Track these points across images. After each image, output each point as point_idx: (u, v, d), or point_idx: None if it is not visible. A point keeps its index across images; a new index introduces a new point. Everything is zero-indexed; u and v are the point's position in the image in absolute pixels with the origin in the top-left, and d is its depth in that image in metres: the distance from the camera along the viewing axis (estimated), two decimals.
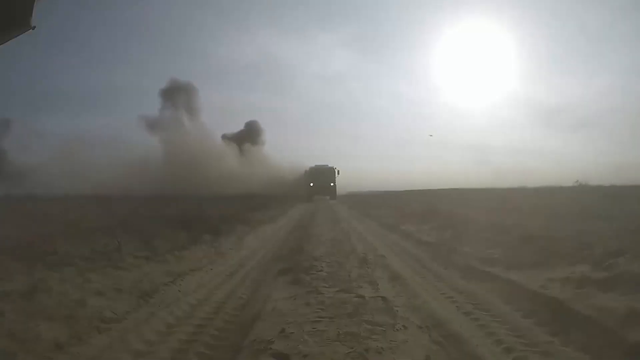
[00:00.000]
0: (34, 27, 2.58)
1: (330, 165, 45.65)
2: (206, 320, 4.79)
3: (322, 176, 44.13)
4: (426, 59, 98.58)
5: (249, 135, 54.35)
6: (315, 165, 45.60)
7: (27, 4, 2.54)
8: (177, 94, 50.51)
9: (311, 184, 44.16)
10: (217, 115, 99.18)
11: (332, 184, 44.27)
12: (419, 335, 3.97)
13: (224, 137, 52.75)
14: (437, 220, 12.42)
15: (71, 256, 6.09)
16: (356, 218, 19.23)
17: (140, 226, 9.16)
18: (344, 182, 45.99)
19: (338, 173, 44.89)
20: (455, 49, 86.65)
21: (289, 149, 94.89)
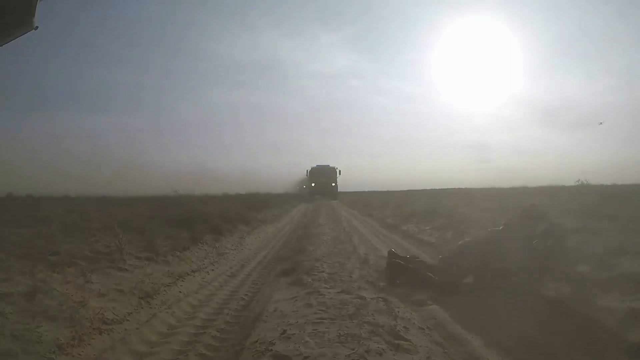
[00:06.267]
0: (37, 27, 2.59)
1: (331, 165, 45.70)
2: (207, 322, 4.80)
3: (324, 176, 44.17)
4: (427, 58, 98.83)
5: None
6: (317, 165, 45.62)
7: (30, 4, 2.55)
8: None
9: (313, 184, 44.18)
10: (218, 114, 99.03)
11: (333, 184, 44.30)
12: (424, 337, 3.98)
13: None
14: (438, 220, 12.40)
15: (73, 256, 6.09)
16: (357, 218, 19.22)
17: (141, 226, 9.16)
18: (344, 182, 46.01)
19: (339, 173, 44.92)
20: (455, 49, 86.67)
21: (289, 147, 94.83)
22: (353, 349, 3.46)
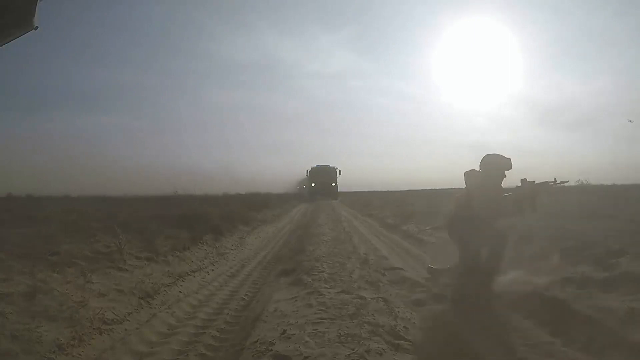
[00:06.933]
0: (37, 27, 2.59)
1: (331, 165, 45.73)
2: (207, 322, 4.80)
3: (324, 176, 44.21)
4: (427, 59, 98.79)
5: None
6: (317, 165, 45.64)
7: (30, 4, 2.55)
8: None
9: (313, 184, 44.22)
10: (218, 114, 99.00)
11: (333, 184, 44.34)
12: (424, 337, 3.98)
13: None
14: (438, 220, 12.39)
15: (73, 256, 6.09)
16: (357, 218, 19.23)
17: (141, 226, 9.17)
18: (344, 182, 46.05)
19: (339, 173, 44.94)
20: (456, 49, 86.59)
21: (289, 147, 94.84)
22: (353, 349, 3.46)
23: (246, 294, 6.05)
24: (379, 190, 49.66)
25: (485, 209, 5.15)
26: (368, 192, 50.45)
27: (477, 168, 5.50)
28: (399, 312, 4.57)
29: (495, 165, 5.27)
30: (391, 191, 45.51)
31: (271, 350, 3.55)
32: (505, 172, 5.30)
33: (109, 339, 4.08)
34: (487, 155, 5.34)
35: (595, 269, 5.39)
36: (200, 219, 11.12)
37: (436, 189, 39.66)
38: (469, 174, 5.52)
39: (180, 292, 5.88)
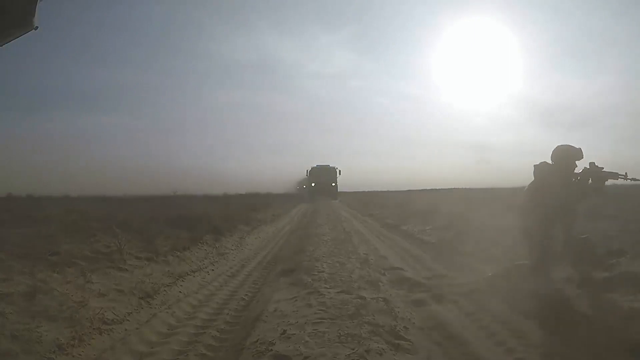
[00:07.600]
0: (37, 27, 2.59)
1: (331, 165, 45.70)
2: (207, 322, 4.80)
3: (324, 176, 44.17)
4: (427, 59, 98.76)
5: None
6: (317, 165, 45.61)
7: (30, 4, 2.55)
8: None
9: (313, 184, 44.20)
10: (219, 114, 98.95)
11: (333, 184, 44.30)
12: (424, 337, 3.98)
13: None
14: (438, 221, 12.39)
15: (73, 256, 6.09)
16: (357, 218, 19.22)
17: (141, 226, 9.16)
18: (345, 182, 46.03)
19: (339, 173, 44.91)
20: (456, 49, 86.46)
21: (289, 147, 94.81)
22: (353, 349, 3.46)
23: (246, 294, 6.04)
24: (379, 190, 49.71)
25: (559, 198, 5.18)
26: (368, 192, 50.49)
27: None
28: (399, 312, 4.57)
29: (567, 156, 5.30)
30: (391, 191, 45.52)
31: (271, 350, 3.55)
32: (576, 162, 5.31)
33: (109, 339, 4.08)
34: (558, 146, 5.36)
35: (595, 269, 5.38)
36: (200, 219, 11.11)
37: (436, 189, 39.68)
38: (540, 167, 5.47)
39: (180, 292, 5.87)
